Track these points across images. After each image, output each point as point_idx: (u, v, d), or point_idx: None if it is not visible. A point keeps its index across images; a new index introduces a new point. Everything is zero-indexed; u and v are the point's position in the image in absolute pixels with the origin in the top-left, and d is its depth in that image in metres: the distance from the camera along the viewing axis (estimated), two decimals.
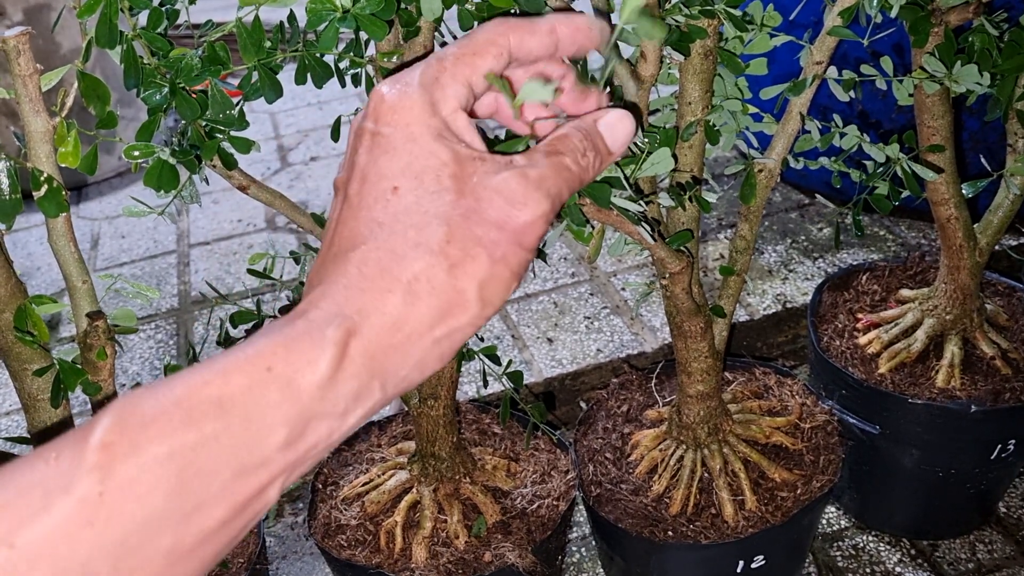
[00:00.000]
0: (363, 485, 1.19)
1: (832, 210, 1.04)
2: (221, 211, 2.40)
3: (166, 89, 0.72)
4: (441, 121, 0.45)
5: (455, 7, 0.77)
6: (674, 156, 0.93)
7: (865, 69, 0.97)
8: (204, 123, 0.77)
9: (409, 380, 0.44)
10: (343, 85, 0.81)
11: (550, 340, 1.74)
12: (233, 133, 0.79)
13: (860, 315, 1.36)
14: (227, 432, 0.38)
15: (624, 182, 0.61)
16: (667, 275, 0.96)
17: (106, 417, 0.38)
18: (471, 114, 0.48)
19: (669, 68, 0.95)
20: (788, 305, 1.78)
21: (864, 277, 1.43)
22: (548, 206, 0.45)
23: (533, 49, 0.48)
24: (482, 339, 1.76)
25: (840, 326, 1.36)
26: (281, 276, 1.04)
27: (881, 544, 1.43)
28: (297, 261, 1.01)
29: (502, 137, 0.52)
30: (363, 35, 0.80)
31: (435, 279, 0.43)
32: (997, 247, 1.81)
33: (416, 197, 0.43)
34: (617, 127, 0.50)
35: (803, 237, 1.98)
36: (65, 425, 0.90)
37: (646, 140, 0.70)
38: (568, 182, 0.47)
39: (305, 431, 0.40)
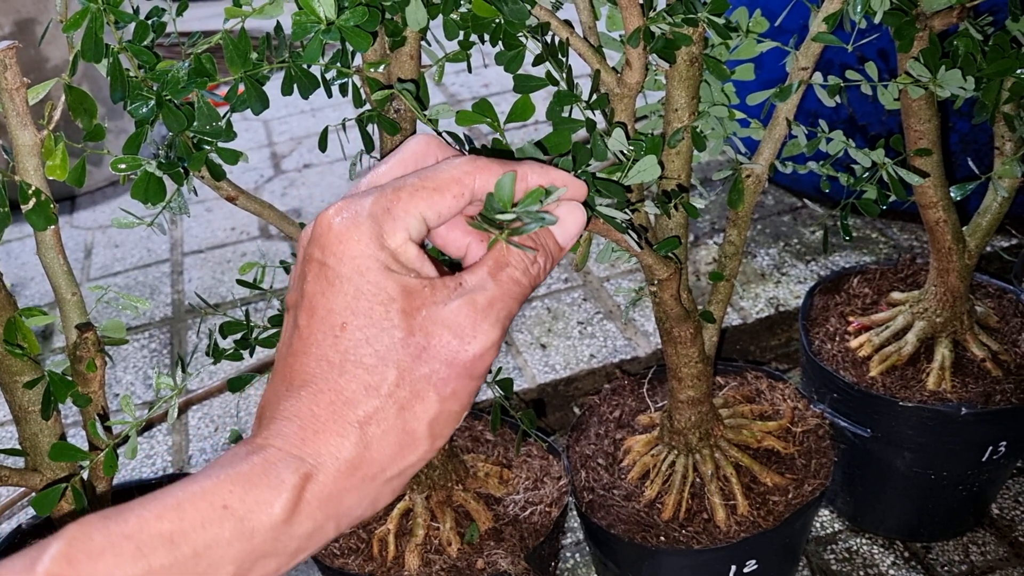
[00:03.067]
0: None
1: (822, 214, 1.04)
2: (215, 219, 2.40)
3: (153, 101, 0.72)
4: (389, 253, 0.45)
5: (440, 17, 0.78)
6: (661, 163, 0.93)
7: (850, 74, 0.98)
8: (191, 135, 0.77)
9: (363, 516, 0.45)
10: (329, 95, 0.81)
11: (543, 346, 1.75)
12: (221, 144, 0.79)
13: (851, 318, 1.36)
14: (175, 567, 0.39)
15: (624, 191, 0.61)
16: (656, 281, 0.96)
17: (55, 545, 0.38)
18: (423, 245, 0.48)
19: (656, 75, 0.95)
20: (781, 308, 1.78)
21: (855, 280, 1.43)
22: (498, 333, 0.45)
23: None
24: None
25: (831, 329, 1.36)
26: (271, 285, 1.04)
27: (875, 547, 1.43)
28: (288, 271, 1.02)
29: None
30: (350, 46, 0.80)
31: (385, 422, 0.43)
32: (989, 248, 1.82)
33: (365, 335, 0.44)
34: (568, 221, 0.49)
35: (796, 240, 1.98)
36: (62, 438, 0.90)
37: (632, 148, 0.70)
38: (519, 297, 0.47)
39: (253, 568, 0.42)
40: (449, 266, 0.50)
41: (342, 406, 0.43)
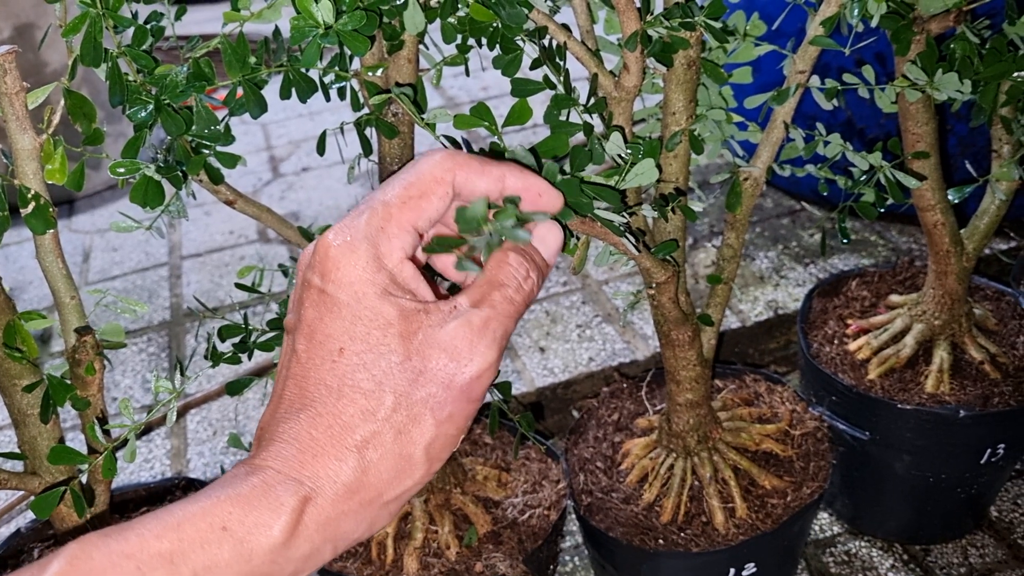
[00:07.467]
0: None
1: (821, 216, 1.04)
2: (213, 223, 2.40)
3: (151, 106, 0.72)
4: (387, 275, 0.45)
5: (438, 21, 0.78)
6: (659, 167, 0.93)
7: (848, 78, 0.98)
8: (190, 138, 0.77)
9: (360, 539, 0.45)
10: (328, 99, 0.82)
11: (542, 349, 1.75)
12: (220, 148, 0.80)
13: (850, 321, 1.37)
14: None
15: (618, 196, 0.61)
16: (654, 285, 0.96)
17: (56, 563, 0.39)
18: (416, 260, 0.48)
19: (653, 78, 0.95)
20: (780, 311, 1.78)
21: (854, 283, 1.43)
22: (495, 354, 0.45)
23: (477, 191, 0.47)
24: None
25: (830, 332, 1.37)
26: (270, 289, 1.04)
27: (874, 550, 1.43)
28: (286, 274, 1.02)
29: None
30: (348, 49, 0.80)
31: (382, 447, 0.44)
32: (987, 251, 1.82)
33: (362, 360, 0.44)
34: (548, 239, 0.50)
35: (795, 243, 1.98)
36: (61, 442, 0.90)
37: (630, 151, 0.70)
38: (513, 315, 0.47)
39: None
40: (449, 291, 0.51)
41: (340, 430, 0.43)
